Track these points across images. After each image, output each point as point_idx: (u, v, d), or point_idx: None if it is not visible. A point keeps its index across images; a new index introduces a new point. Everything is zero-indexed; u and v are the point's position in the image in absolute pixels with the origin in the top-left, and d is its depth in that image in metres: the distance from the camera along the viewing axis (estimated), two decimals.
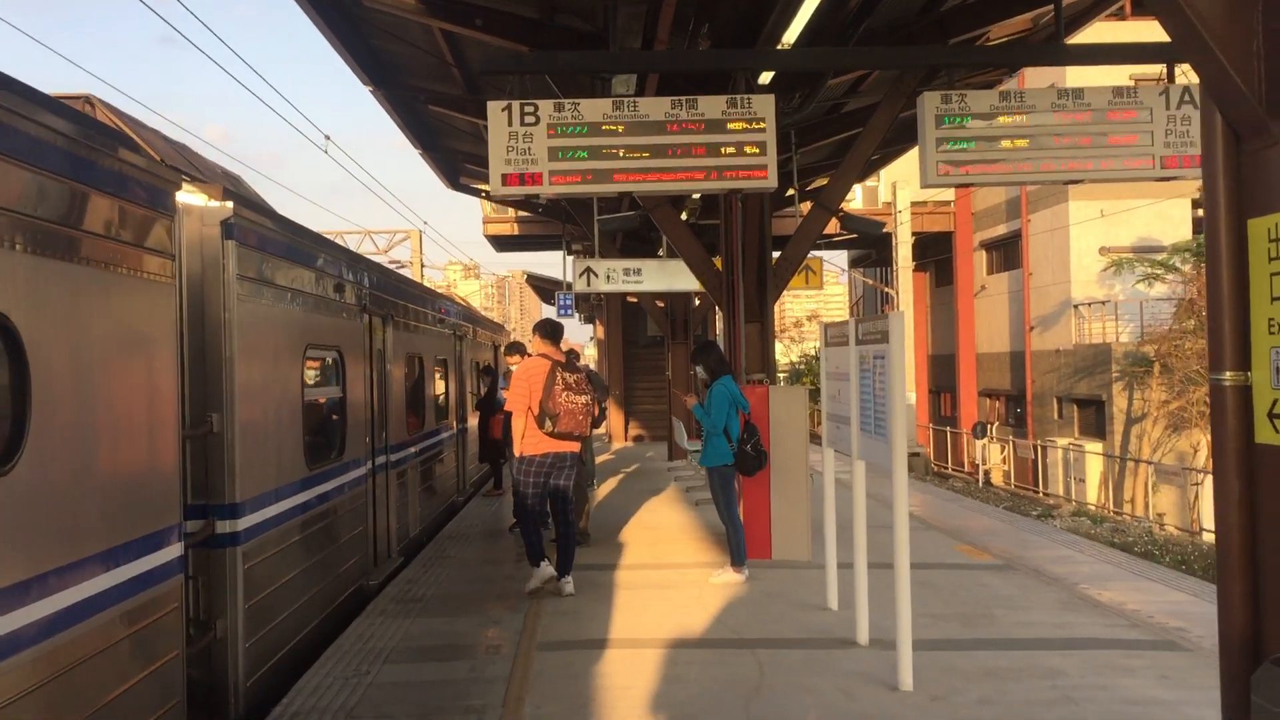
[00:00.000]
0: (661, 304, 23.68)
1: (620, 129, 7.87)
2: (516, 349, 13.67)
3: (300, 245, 8.18)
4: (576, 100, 7.95)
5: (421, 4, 12.02)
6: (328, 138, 19.44)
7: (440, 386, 15.46)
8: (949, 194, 41.02)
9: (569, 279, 18.31)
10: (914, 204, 40.21)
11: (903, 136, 20.27)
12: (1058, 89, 8.27)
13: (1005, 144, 8.00)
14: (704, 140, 7.88)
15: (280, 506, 7.47)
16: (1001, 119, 7.99)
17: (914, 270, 42.11)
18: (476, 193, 27.99)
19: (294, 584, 7.78)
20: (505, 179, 7.82)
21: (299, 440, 8.01)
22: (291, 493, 7.76)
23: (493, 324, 26.22)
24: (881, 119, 12.58)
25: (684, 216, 15.75)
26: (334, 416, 9.40)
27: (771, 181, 7.98)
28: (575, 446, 9.53)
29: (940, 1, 12.32)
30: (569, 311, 28.86)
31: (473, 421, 18.19)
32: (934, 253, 43.62)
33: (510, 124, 7.86)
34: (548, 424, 9.12)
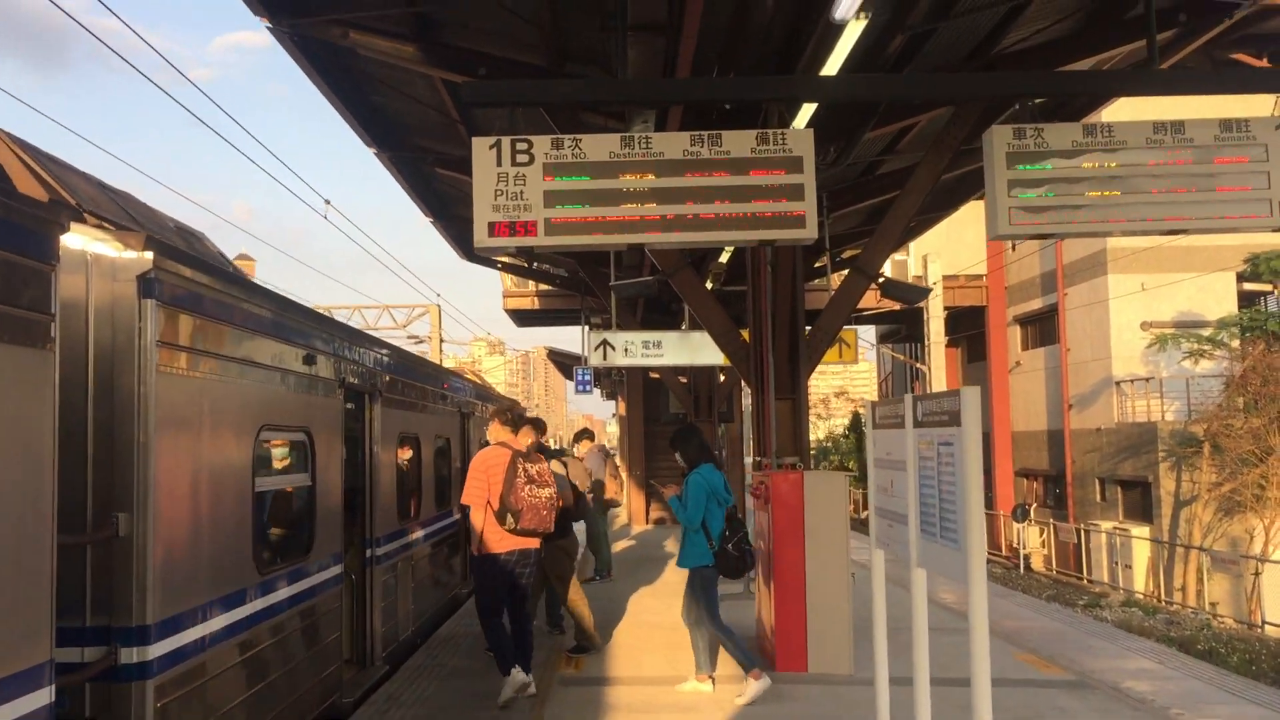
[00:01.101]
0: (684, 380, 22.40)
1: (630, 170, 6.65)
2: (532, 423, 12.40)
3: (255, 309, 6.96)
4: (578, 136, 6.72)
5: (420, 52, 10.98)
6: (328, 202, 18.48)
7: (442, 469, 14.16)
8: (981, 267, 39.87)
9: (586, 353, 17.08)
10: (945, 277, 38.98)
11: (940, 202, 19.12)
12: (1153, 123, 6.99)
13: (1091, 192, 6.73)
14: (730, 184, 6.64)
15: (214, 624, 6.15)
16: (1086, 163, 6.73)
17: (945, 346, 40.74)
18: (494, 264, 26.97)
19: (232, 718, 6.43)
20: (493, 228, 6.60)
21: (246, 540, 6.72)
22: (233, 605, 6.45)
23: (507, 401, 24.99)
24: (926, 174, 11.37)
25: (709, 285, 14.55)
26: (299, 509, 8.13)
27: (810, 231, 6.73)
28: (537, 543, 8.93)
29: (993, 43, 11.17)
30: (587, 388, 27.64)
31: None
32: (966, 328, 42.33)
33: (499, 163, 6.64)
34: (509, 520, 8.49)
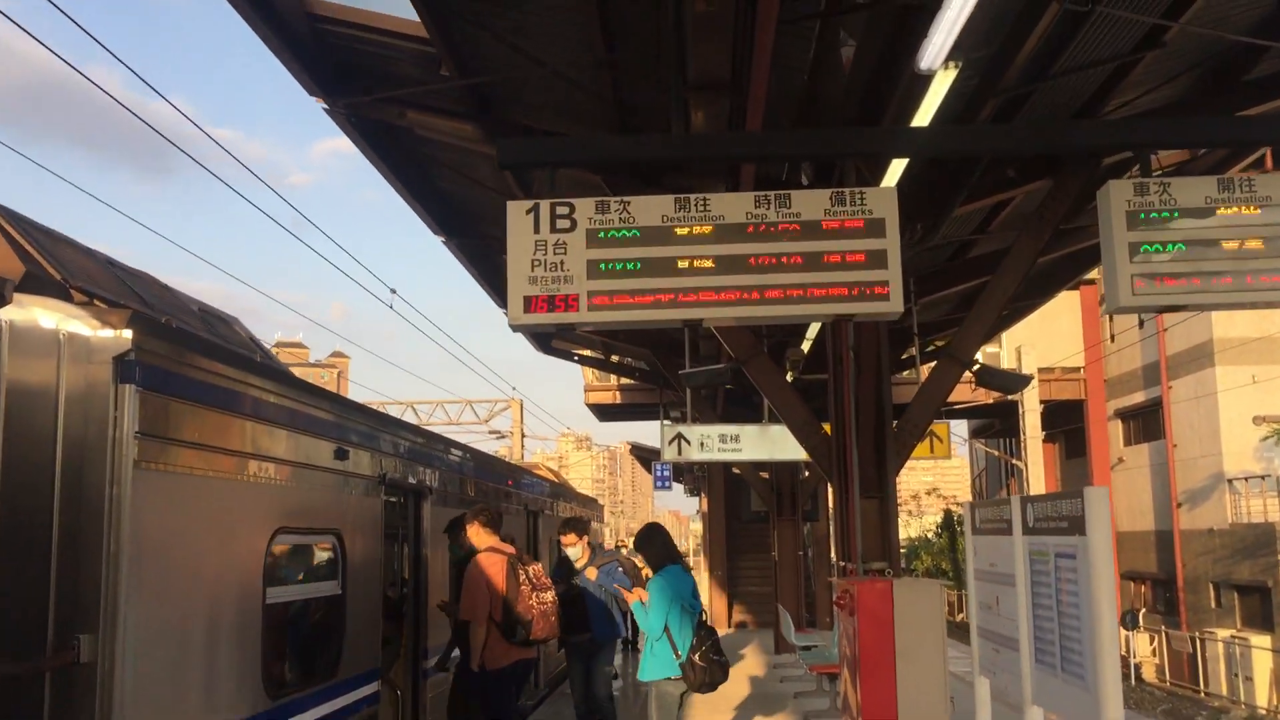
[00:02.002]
0: (765, 476, 21.36)
1: (686, 234, 5.85)
2: (573, 526, 11.28)
3: (268, 397, 6.26)
4: (626, 199, 5.96)
5: (479, 130, 10.45)
6: (393, 291, 18.08)
7: None
8: (1077, 359, 38.39)
9: (662, 447, 16.22)
10: (1040, 370, 37.48)
11: (1035, 288, 18.03)
12: None
13: (1230, 256, 5.75)
14: (801, 249, 5.79)
15: None
16: (1222, 223, 5.75)
17: (1042, 441, 39.08)
18: (569, 356, 26.41)
19: None
20: (529, 304, 5.82)
21: (254, 660, 5.92)
22: None
23: (584, 499, 24.17)
24: (1023, 253, 10.41)
25: (788, 375, 13.66)
26: (325, 621, 7.32)
27: (895, 304, 5.84)
28: (534, 653, 8.50)
29: (1096, 108, 10.27)
30: (666, 484, 26.76)
31: None
32: (1062, 423, 40.67)
33: (537, 230, 5.89)
34: (519, 632, 8.03)
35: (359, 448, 7.77)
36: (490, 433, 49.51)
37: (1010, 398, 38.73)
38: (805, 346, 14.83)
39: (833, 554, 32.17)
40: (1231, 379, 30.91)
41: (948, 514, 67.77)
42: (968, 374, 11.28)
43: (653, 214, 5.95)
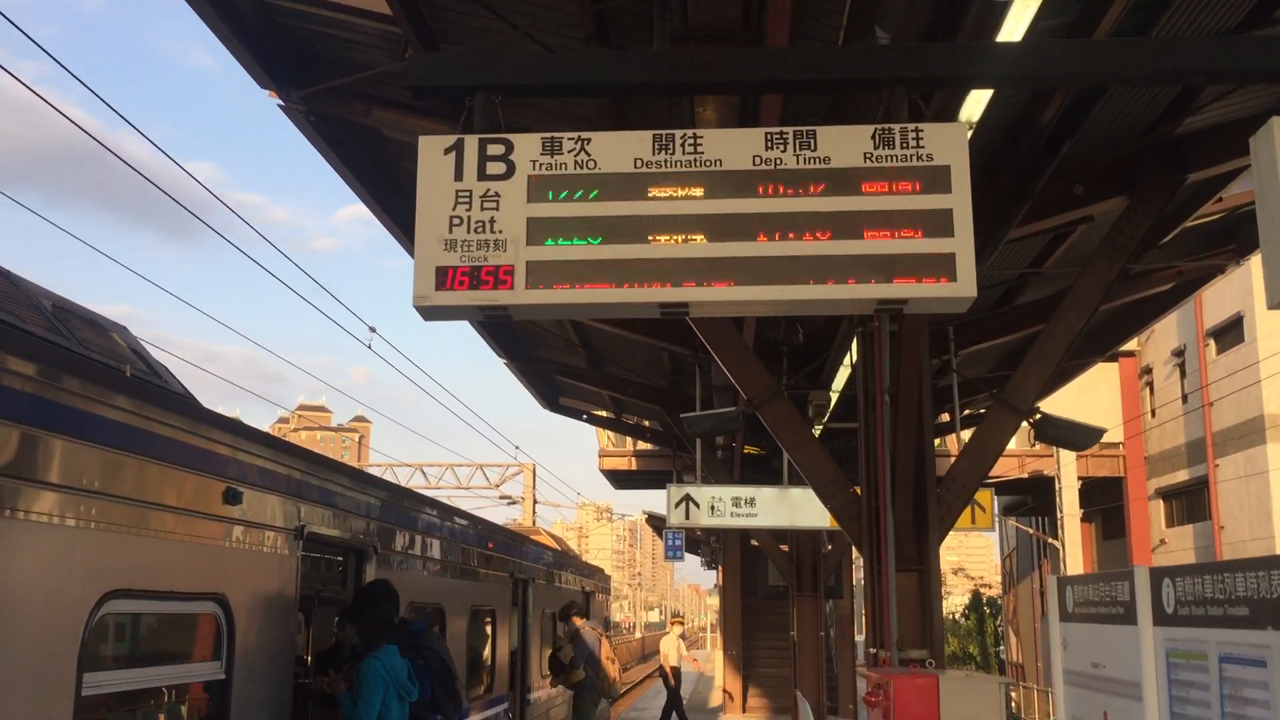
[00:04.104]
0: (785, 548, 19.54)
1: (666, 185, 4.23)
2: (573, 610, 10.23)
3: (116, 415, 4.65)
4: (585, 135, 4.35)
5: (453, 128, 8.94)
6: (372, 330, 16.58)
7: (476, 644, 11.56)
8: (1116, 434, 36.51)
9: (668, 510, 14.50)
10: None
11: (1091, 344, 16.35)
12: None
13: None
14: (831, 208, 4.16)
15: None
16: None
17: (1079, 520, 37.11)
18: (579, 415, 24.79)
19: None
20: (445, 277, 4.19)
21: None
22: None
23: (589, 569, 22.38)
24: (1093, 283, 8.82)
25: (815, 430, 11.96)
26: (198, 715, 5.62)
27: (965, 287, 4.14)
28: None
29: (1177, 119, 8.67)
30: (678, 554, 24.86)
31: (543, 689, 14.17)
32: (1100, 501, 38.78)
33: (459, 175, 4.28)
34: None
35: (265, 491, 6.12)
36: (501, 498, 47.79)
37: (1046, 473, 36.90)
38: (837, 382, 13.14)
39: (858, 634, 30.13)
40: None
41: (976, 594, 65.38)
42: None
43: (621, 156, 4.33)
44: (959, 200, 4.21)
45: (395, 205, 11.11)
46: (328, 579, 8.34)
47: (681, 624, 21.02)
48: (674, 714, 19.33)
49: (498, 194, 4.34)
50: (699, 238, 4.23)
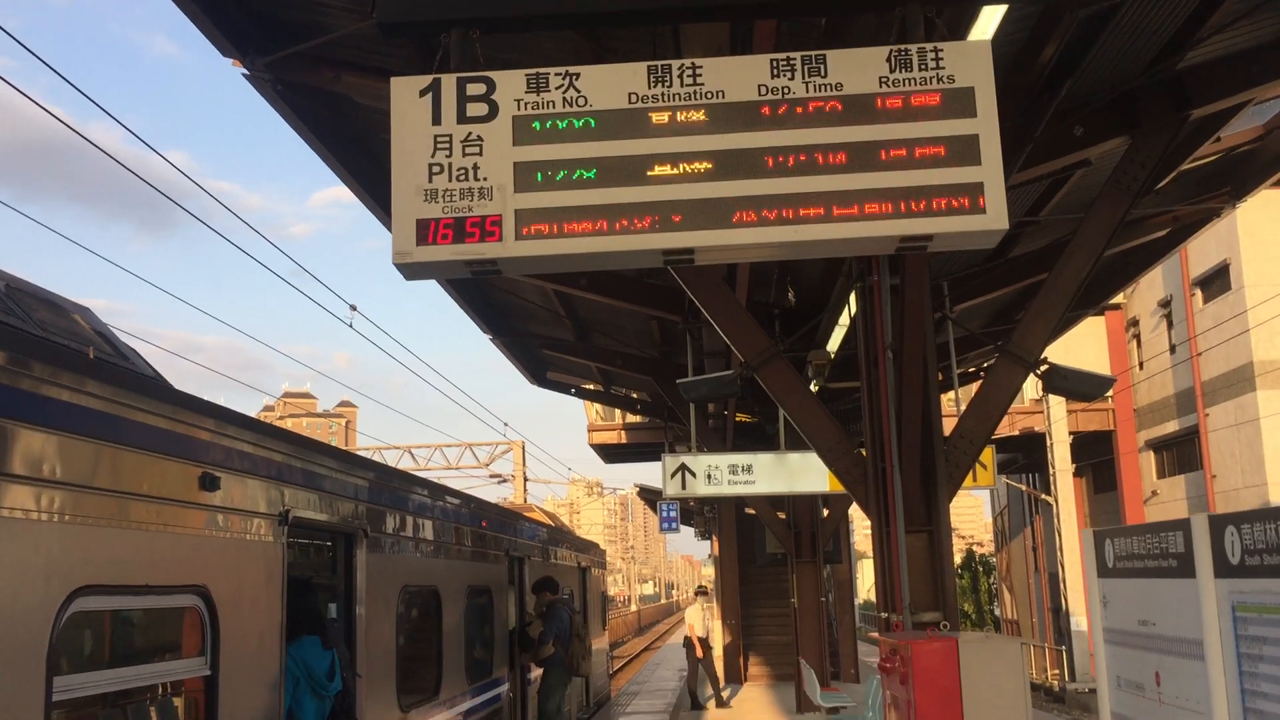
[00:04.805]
0: (782, 515, 19.27)
1: (666, 121, 3.88)
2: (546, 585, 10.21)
3: (77, 399, 4.31)
4: (574, 69, 3.99)
5: None
6: (353, 308, 16.18)
7: (475, 628, 11.26)
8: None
9: (663, 481, 14.18)
10: (1068, 400, 35.46)
11: (1083, 296, 16.07)
12: None
13: None
14: (845, 139, 3.82)
15: None
16: None
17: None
18: (567, 389, 24.45)
19: None
20: (426, 231, 3.83)
21: None
22: None
23: (584, 544, 22.11)
24: (1099, 227, 8.53)
25: (813, 387, 11.64)
26: (182, 713, 5.31)
27: (995, 219, 3.81)
28: None
29: (1179, 54, 8.35)
30: (673, 525, 24.64)
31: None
32: (1090, 455, 38.70)
33: (438, 119, 3.93)
34: None
35: (244, 475, 5.78)
36: (491, 476, 47.57)
37: (1037, 430, 36.77)
38: (833, 342, 12.81)
39: (858, 597, 29.96)
40: (1275, 404, 28.92)
41: (969, 553, 65.52)
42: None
43: (614, 91, 3.97)
44: (985, 124, 3.88)
45: (371, 177, 10.70)
46: (317, 565, 8.04)
47: (707, 594, 20.94)
48: (703, 683, 19.25)
49: (480, 137, 3.98)
50: (703, 177, 3.89)
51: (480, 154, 3.97)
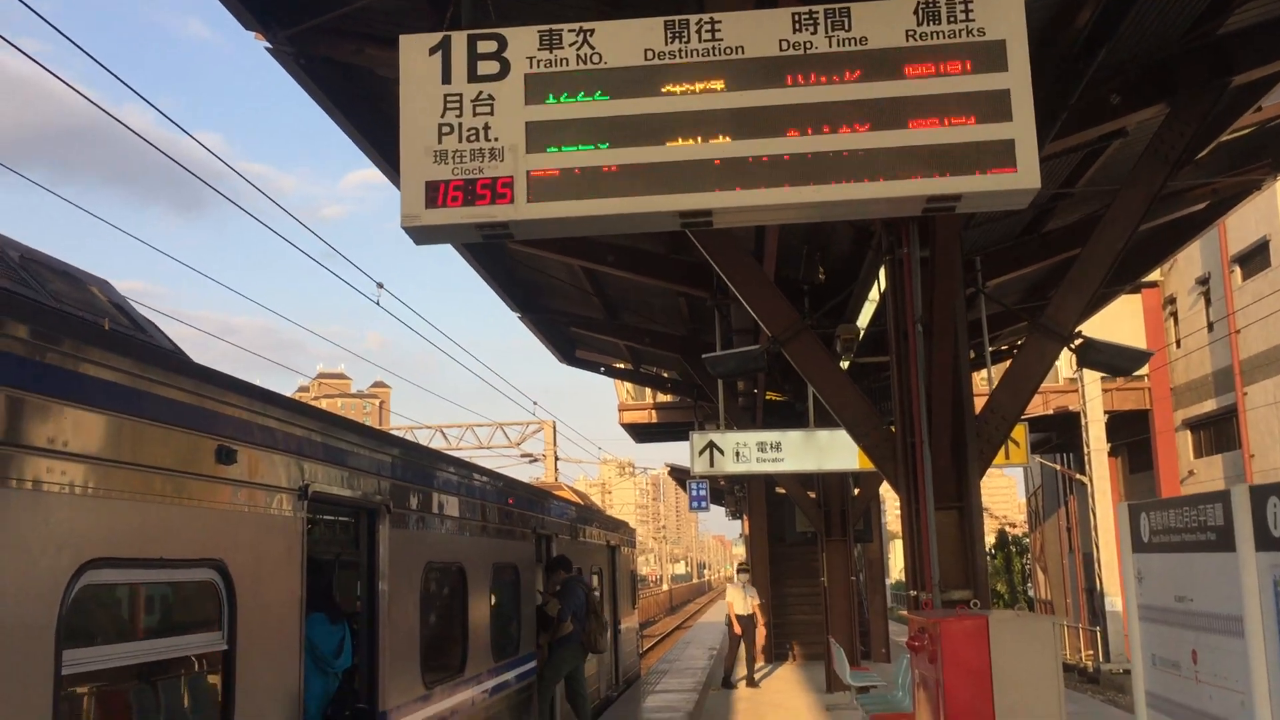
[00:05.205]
0: (812, 494, 19.13)
1: (682, 79, 3.75)
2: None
3: (87, 369, 4.26)
4: (588, 25, 3.86)
5: None
6: (380, 285, 16.17)
7: (503, 609, 11.20)
8: (1143, 367, 35.94)
9: (691, 459, 14.07)
10: (1102, 379, 35.04)
11: (1119, 272, 15.79)
12: None
13: None
14: (870, 95, 3.68)
15: None
16: None
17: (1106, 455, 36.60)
18: (596, 367, 24.39)
19: None
20: (436, 193, 3.74)
21: None
22: None
23: (614, 523, 22.04)
24: (1136, 196, 8.32)
25: (843, 364, 11.48)
26: (196, 688, 5.27)
27: (1027, 177, 3.67)
28: None
29: (1220, 17, 8.11)
30: (703, 504, 24.56)
31: None
32: (1126, 434, 38.25)
33: (448, 78, 3.83)
34: None
35: (262, 449, 5.72)
36: (523, 456, 47.62)
37: (1072, 409, 36.39)
38: (863, 316, 12.64)
39: (890, 577, 29.77)
40: None
41: (1002, 533, 65.17)
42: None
43: (630, 48, 3.85)
44: (1017, 79, 3.73)
45: (394, 150, 10.62)
46: (341, 541, 7.99)
47: (747, 573, 20.89)
48: (739, 660, 19.21)
49: (491, 96, 3.88)
50: (721, 136, 3.76)
51: (491, 113, 3.86)
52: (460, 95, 3.90)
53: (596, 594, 13.31)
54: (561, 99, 3.86)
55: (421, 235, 3.95)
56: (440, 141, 3.87)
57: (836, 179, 3.70)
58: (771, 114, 3.77)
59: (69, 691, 4.07)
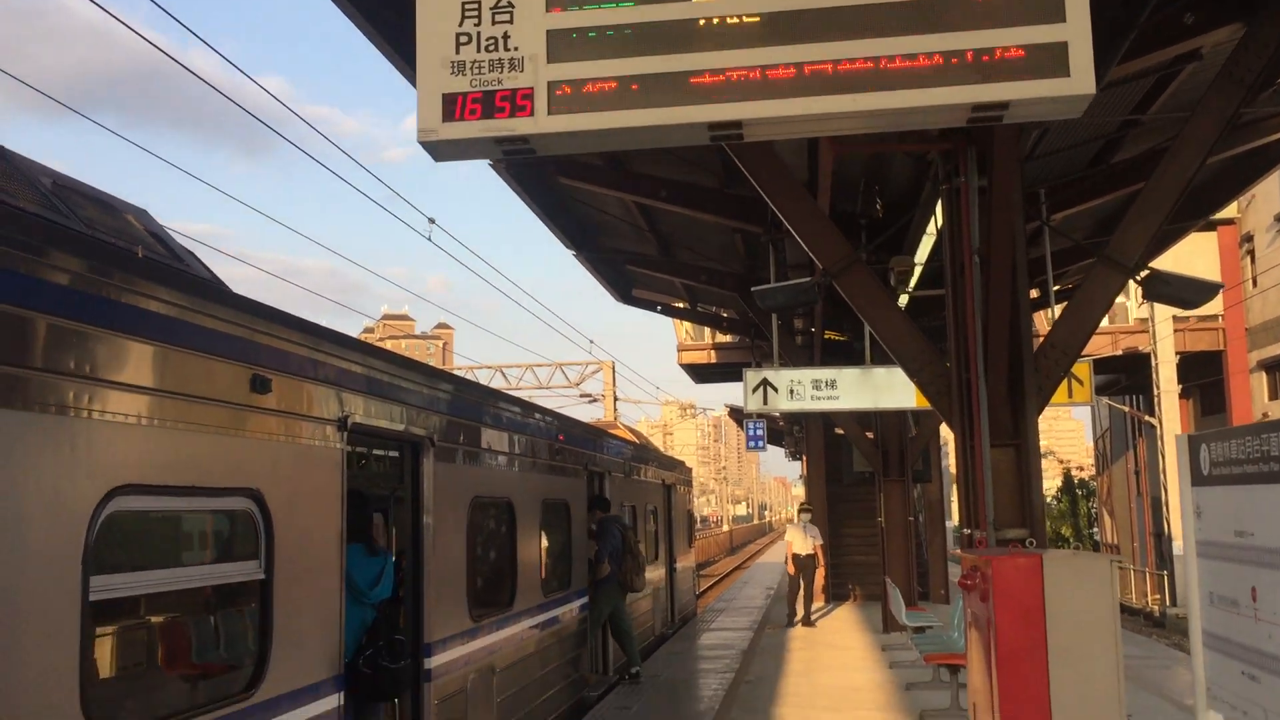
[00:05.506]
0: (870, 434, 18.89)
1: None
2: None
3: (113, 294, 4.21)
4: None
5: None
6: (431, 221, 16.08)
7: (558, 543, 11.21)
8: (1216, 306, 34.98)
9: (744, 397, 13.90)
10: (1175, 318, 34.16)
11: (1192, 205, 15.23)
12: None
13: None
14: None
15: None
16: None
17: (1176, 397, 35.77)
18: (653, 306, 24.20)
19: None
20: (453, 106, 3.57)
21: (68, 688, 3.86)
22: None
23: (669, 462, 21.98)
24: (1207, 123, 7.93)
25: (901, 303, 11.20)
26: (230, 618, 5.27)
27: (1081, 82, 3.41)
28: None
29: None
30: (760, 444, 24.42)
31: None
32: (1197, 376, 37.33)
33: None
34: None
35: (299, 378, 5.67)
36: (582, 396, 47.76)
37: (1142, 349, 35.58)
38: (920, 252, 12.31)
39: (950, 519, 29.49)
40: None
41: (1068, 476, 64.35)
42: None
43: None
44: None
45: None
46: (383, 476, 7.98)
47: (809, 513, 20.84)
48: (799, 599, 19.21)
49: (511, 4, 3.69)
50: (752, 43, 3.55)
51: (511, 21, 3.69)
52: (479, 3, 3.73)
53: (633, 532, 13.24)
54: (584, 6, 3.68)
55: (439, 151, 3.80)
56: (458, 52, 3.71)
57: (874, 88, 3.48)
58: (805, 19, 3.55)
59: (97, 617, 4.06)
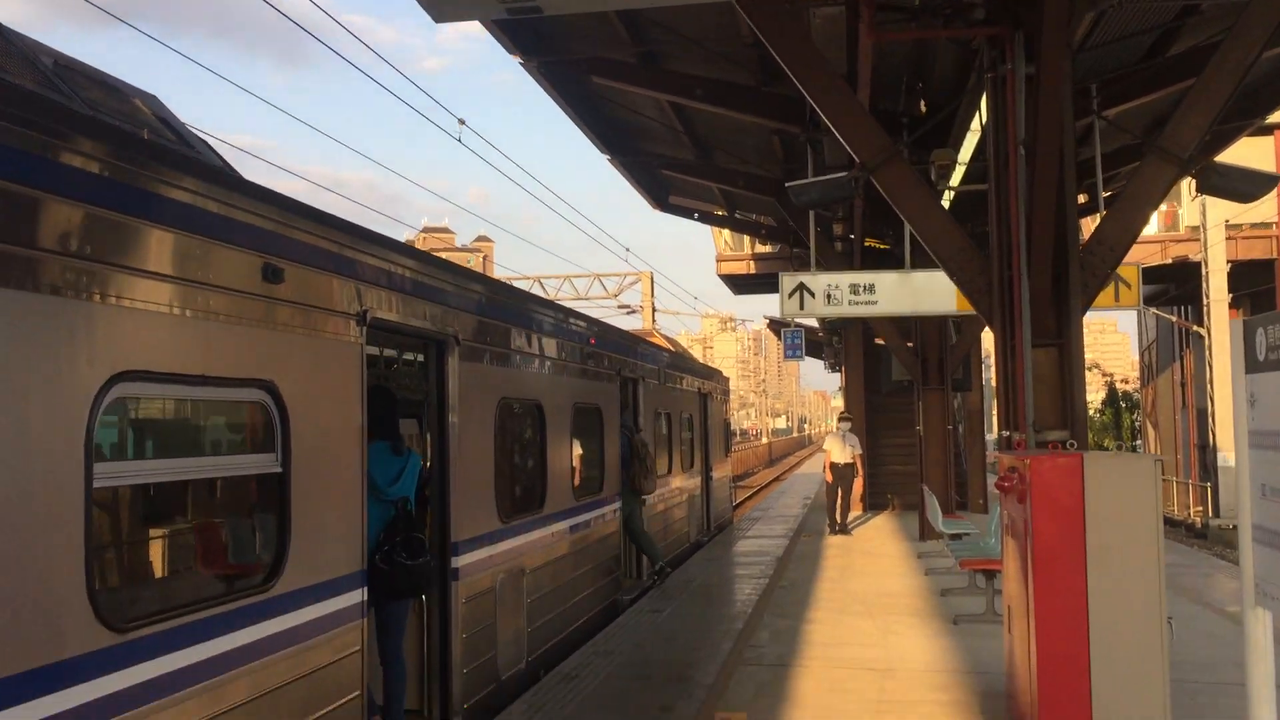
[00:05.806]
0: (910, 344, 18.56)
1: None
2: None
3: (111, 174, 4.04)
4: None
5: None
6: (462, 122, 15.80)
7: (585, 447, 11.11)
8: (1270, 210, 33.99)
9: (781, 303, 13.64)
10: (1228, 226, 33.26)
11: (1251, 103, 14.64)
12: None
13: None
14: None
15: None
16: None
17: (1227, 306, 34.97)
18: (689, 214, 23.87)
19: None
20: None
21: (74, 582, 3.78)
22: None
23: (706, 370, 21.82)
24: (1273, 3, 7.47)
25: (945, 201, 10.82)
26: (247, 511, 5.19)
27: None
28: None
29: None
30: (797, 354, 24.22)
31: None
32: (1248, 285, 36.42)
33: None
34: None
35: (313, 269, 5.50)
36: (620, 307, 47.58)
37: (1192, 258, 34.77)
38: (964, 150, 11.91)
39: (991, 428, 29.28)
40: None
41: (1111, 388, 63.69)
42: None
43: None
44: None
45: None
46: (407, 376, 7.86)
47: (849, 421, 20.58)
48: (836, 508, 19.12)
49: None
50: None
51: None
52: None
53: (641, 436, 13.14)
54: None
55: (440, 12, 3.57)
56: None
57: None
58: None
59: (102, 505, 3.97)
